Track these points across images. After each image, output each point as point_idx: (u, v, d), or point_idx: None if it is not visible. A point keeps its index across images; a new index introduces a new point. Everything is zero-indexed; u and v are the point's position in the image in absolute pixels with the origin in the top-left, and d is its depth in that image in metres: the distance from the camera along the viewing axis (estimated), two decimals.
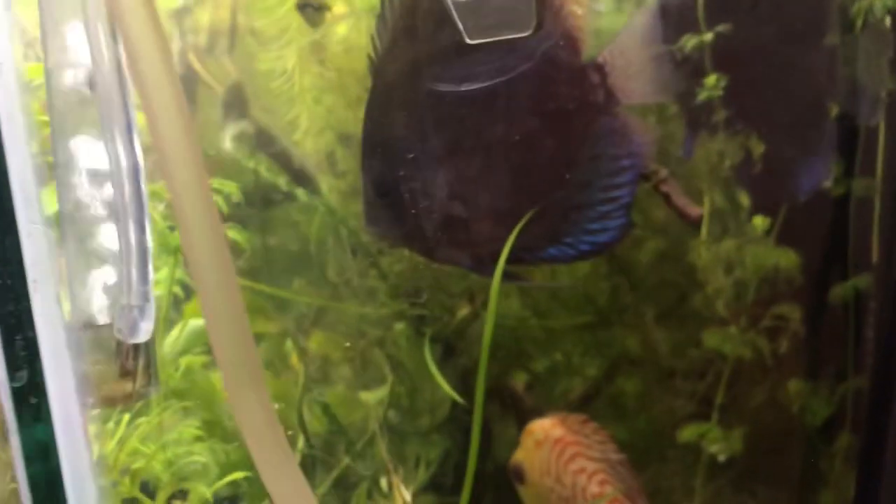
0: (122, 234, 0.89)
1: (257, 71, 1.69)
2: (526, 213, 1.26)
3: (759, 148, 1.46)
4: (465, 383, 1.58)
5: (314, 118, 1.63)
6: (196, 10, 1.92)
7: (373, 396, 1.46)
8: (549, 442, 1.35)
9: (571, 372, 1.60)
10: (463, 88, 1.15)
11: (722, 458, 1.58)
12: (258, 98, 1.79)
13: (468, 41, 1.07)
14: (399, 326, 1.45)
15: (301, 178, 1.71)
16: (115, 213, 0.88)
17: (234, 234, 1.28)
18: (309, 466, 1.41)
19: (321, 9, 1.42)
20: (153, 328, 0.95)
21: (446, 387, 1.31)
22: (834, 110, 1.54)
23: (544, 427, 1.37)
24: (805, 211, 1.62)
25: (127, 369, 0.94)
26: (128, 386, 0.96)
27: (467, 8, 1.04)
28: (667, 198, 1.40)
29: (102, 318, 0.93)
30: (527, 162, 1.27)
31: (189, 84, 1.93)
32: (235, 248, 1.32)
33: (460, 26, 1.06)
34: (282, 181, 1.58)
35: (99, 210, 0.90)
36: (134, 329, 0.93)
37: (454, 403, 1.50)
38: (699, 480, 1.60)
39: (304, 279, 1.48)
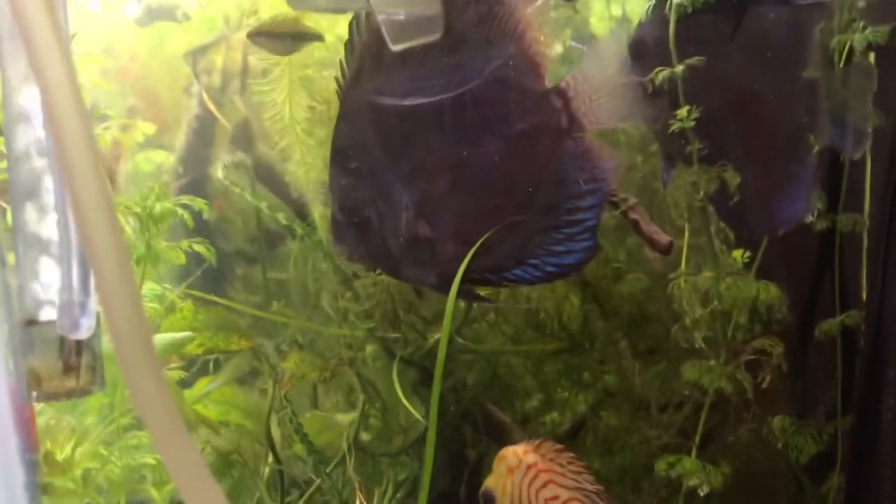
0: (63, 232, 0.93)
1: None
2: (490, 234, 1.29)
3: (734, 180, 1.46)
4: (440, 407, 1.60)
5: (306, 149, 1.70)
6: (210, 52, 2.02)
7: (345, 417, 1.49)
8: (521, 468, 1.31)
9: (550, 402, 1.60)
10: (407, 102, 1.19)
11: (702, 492, 1.56)
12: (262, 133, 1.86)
13: (394, 49, 1.12)
14: (371, 349, 1.47)
15: (297, 208, 1.77)
16: (57, 210, 0.93)
17: (200, 248, 1.32)
18: (277, 483, 1.43)
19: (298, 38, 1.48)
20: (95, 326, 0.99)
21: (408, 405, 1.33)
22: (816, 144, 1.55)
23: (517, 453, 1.33)
24: (787, 245, 1.62)
25: (70, 365, 0.98)
26: (71, 382, 0.99)
27: (392, 21, 1.10)
28: (635, 225, 1.41)
29: (46, 315, 0.97)
30: (490, 183, 1.29)
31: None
32: (200, 260, 1.37)
33: (386, 36, 1.11)
34: (281, 215, 1.62)
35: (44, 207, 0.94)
36: (75, 326, 0.97)
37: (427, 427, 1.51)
38: None
39: (283, 301, 1.53)
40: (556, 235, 1.32)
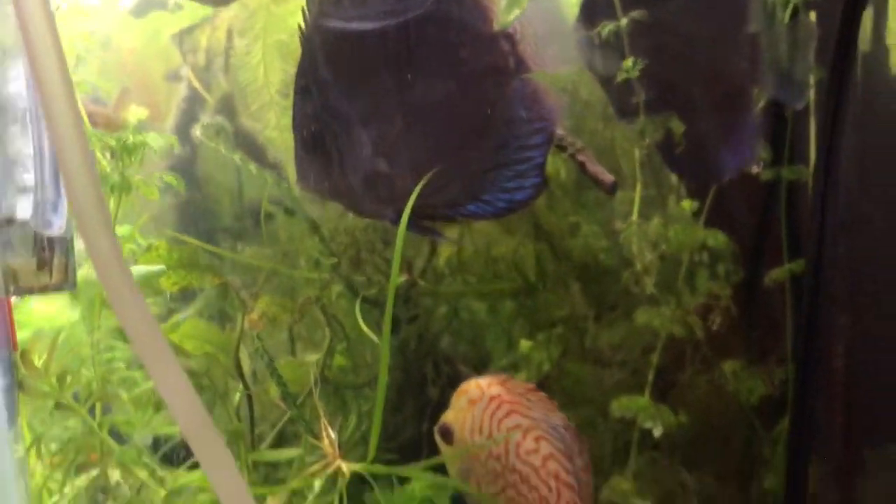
0: (36, 136, 1.03)
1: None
2: (446, 170, 1.38)
3: (680, 128, 1.55)
4: (405, 348, 1.69)
5: (281, 111, 1.79)
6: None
7: (314, 356, 1.57)
8: (484, 400, 1.31)
9: (506, 344, 1.68)
10: (353, 26, 1.28)
11: (656, 432, 1.63)
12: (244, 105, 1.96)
13: None
14: (337, 289, 1.56)
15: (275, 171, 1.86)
16: (30, 116, 1.03)
17: (169, 178, 1.42)
18: (247, 412, 1.51)
19: None
20: (66, 225, 1.08)
21: (372, 335, 1.41)
22: (760, 97, 1.64)
23: (480, 385, 1.33)
24: (735, 195, 1.70)
25: (43, 261, 1.07)
26: (44, 278, 1.09)
27: None
28: (582, 166, 1.49)
29: (23, 214, 1.07)
30: (443, 122, 1.39)
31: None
32: (176, 193, 1.46)
33: None
34: (252, 166, 1.71)
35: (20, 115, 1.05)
36: (47, 222, 1.07)
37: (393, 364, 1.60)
38: (633, 455, 1.65)
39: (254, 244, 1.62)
40: (507, 172, 1.41)
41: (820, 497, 1.72)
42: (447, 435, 1.39)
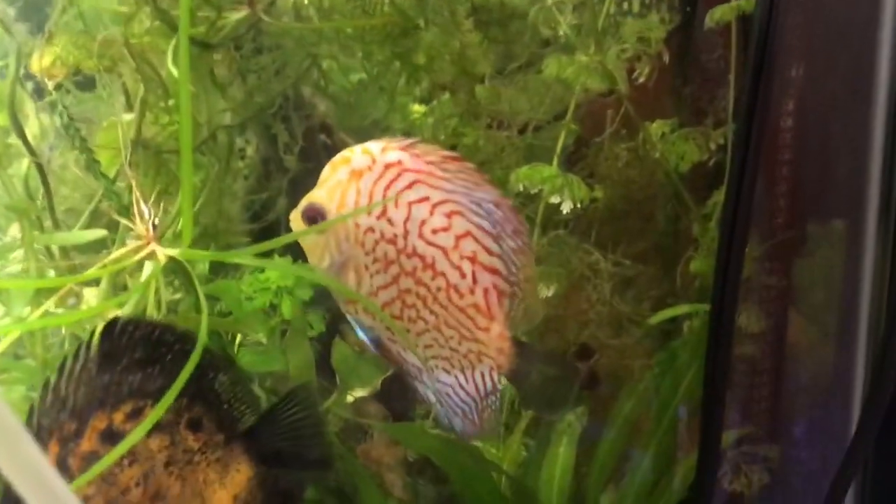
0: None
1: None
2: None
3: None
4: (251, 104, 1.36)
5: None
6: None
7: (129, 116, 1.25)
8: (375, 169, 1.00)
9: (386, 104, 1.38)
10: None
11: (564, 209, 1.37)
12: None
13: None
14: (155, 25, 1.20)
15: None
16: None
17: None
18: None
19: None
20: None
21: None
22: None
23: (370, 151, 1.01)
24: None
25: None
26: None
27: None
28: None
29: None
30: None
31: None
32: None
33: None
34: None
35: None
36: None
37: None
38: (535, 235, 1.39)
39: None
40: None
41: (754, 280, 1.51)
42: (316, 216, 1.05)
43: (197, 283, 0.97)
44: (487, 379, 1.04)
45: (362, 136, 1.48)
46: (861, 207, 1.44)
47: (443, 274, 1.01)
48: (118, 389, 0.92)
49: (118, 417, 0.91)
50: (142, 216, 1.08)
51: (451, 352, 1.03)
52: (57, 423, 0.88)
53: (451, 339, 1.03)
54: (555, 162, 1.36)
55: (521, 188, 1.34)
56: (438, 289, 1.01)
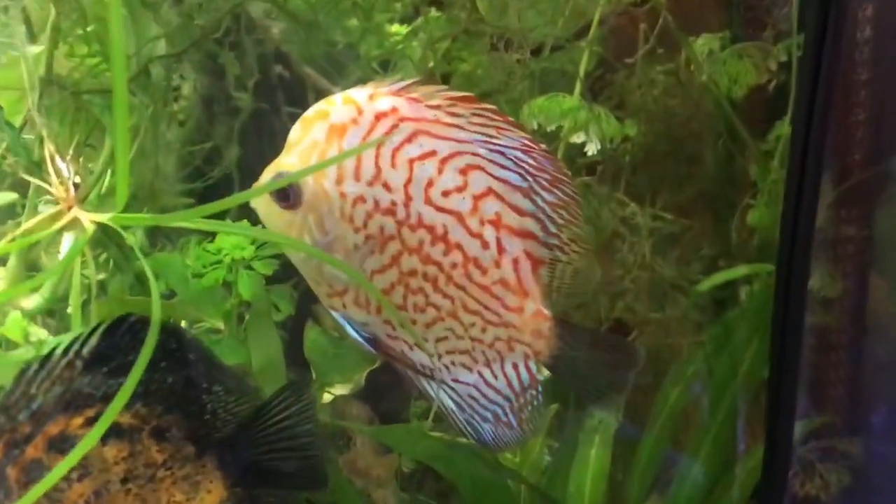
0: None
1: None
2: None
3: None
4: (190, 31, 1.35)
5: None
6: None
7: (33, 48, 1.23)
8: (363, 122, 0.96)
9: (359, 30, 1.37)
10: None
11: (591, 150, 1.37)
12: None
13: None
14: None
15: None
16: None
17: None
18: None
19: None
20: None
21: None
22: None
23: (353, 100, 0.97)
24: None
25: None
26: None
27: None
28: None
29: None
30: None
31: None
32: None
33: None
34: None
35: None
36: None
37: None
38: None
39: None
40: None
41: (826, 232, 1.51)
42: (288, 197, 1.00)
43: (139, 252, 0.95)
44: (523, 370, 1.03)
45: (331, 67, 1.47)
46: None
47: (458, 246, 0.99)
48: (92, 393, 0.92)
49: (76, 422, 0.91)
50: (58, 174, 1.07)
51: (473, 343, 1.02)
52: (10, 424, 0.89)
53: (471, 328, 1.01)
54: (577, 91, 1.35)
55: (536, 125, 1.34)
56: (454, 265, 0.99)
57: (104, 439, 0.90)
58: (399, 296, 1.00)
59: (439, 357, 1.02)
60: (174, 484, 0.95)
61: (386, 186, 0.98)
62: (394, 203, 0.98)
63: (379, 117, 0.97)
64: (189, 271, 1.22)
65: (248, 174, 1.40)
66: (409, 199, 0.98)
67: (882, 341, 1.60)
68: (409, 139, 0.97)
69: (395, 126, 0.97)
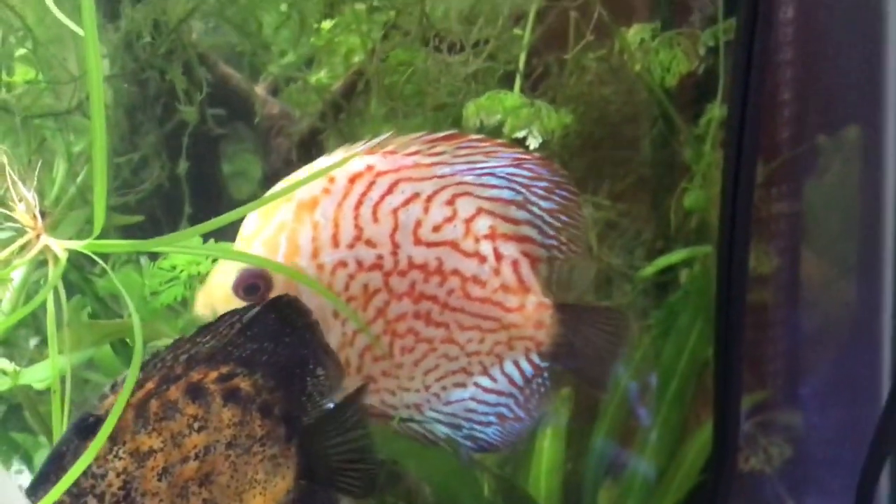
0: None
1: None
2: None
3: None
4: (131, 45, 1.38)
5: None
6: None
7: None
8: (336, 190, 1.01)
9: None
10: None
11: (533, 144, 1.43)
12: None
13: None
14: None
15: None
16: None
17: None
18: None
19: None
20: None
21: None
22: None
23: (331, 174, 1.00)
24: None
25: None
26: None
27: None
28: None
29: None
30: None
31: None
32: None
33: None
34: None
35: None
36: None
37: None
38: None
39: None
40: None
41: (760, 210, 1.59)
42: (258, 289, 1.04)
43: (114, 276, 1.00)
44: (525, 364, 1.09)
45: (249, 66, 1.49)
46: (877, 109, 1.52)
47: (455, 272, 1.05)
48: (231, 351, 0.95)
49: (212, 375, 0.95)
50: (24, 202, 1.07)
51: (469, 357, 1.07)
52: (172, 361, 0.92)
53: (468, 343, 1.06)
54: (517, 87, 1.41)
55: (479, 122, 1.38)
56: (450, 292, 1.05)
57: (226, 400, 0.93)
58: (384, 345, 1.04)
59: (427, 388, 1.07)
60: (261, 462, 0.96)
61: (369, 243, 1.03)
62: (379, 257, 1.03)
63: (353, 179, 1.02)
64: (147, 290, 1.25)
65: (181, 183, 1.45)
66: (396, 247, 1.03)
67: (815, 314, 1.67)
68: (388, 191, 1.03)
69: (372, 184, 1.02)
